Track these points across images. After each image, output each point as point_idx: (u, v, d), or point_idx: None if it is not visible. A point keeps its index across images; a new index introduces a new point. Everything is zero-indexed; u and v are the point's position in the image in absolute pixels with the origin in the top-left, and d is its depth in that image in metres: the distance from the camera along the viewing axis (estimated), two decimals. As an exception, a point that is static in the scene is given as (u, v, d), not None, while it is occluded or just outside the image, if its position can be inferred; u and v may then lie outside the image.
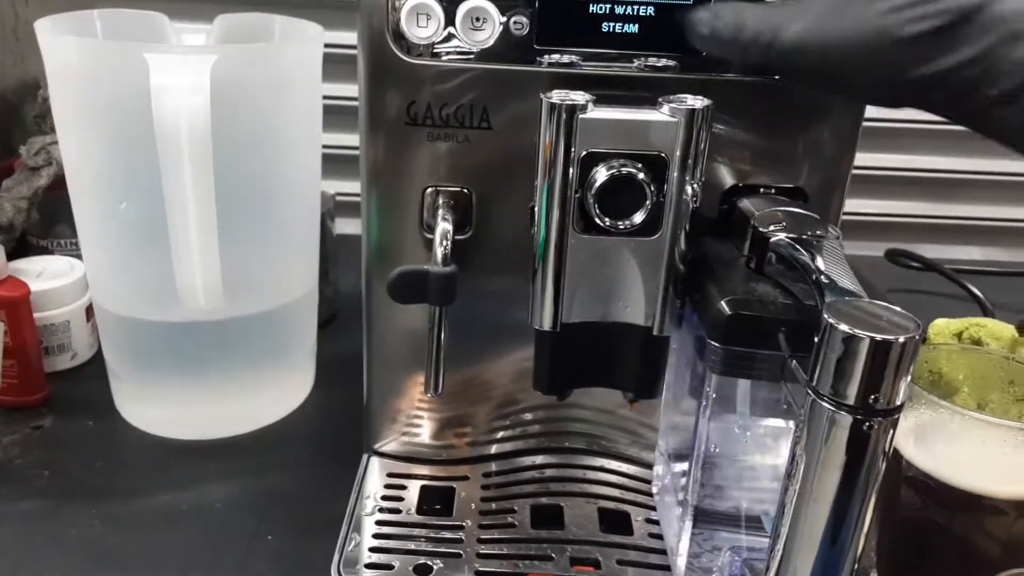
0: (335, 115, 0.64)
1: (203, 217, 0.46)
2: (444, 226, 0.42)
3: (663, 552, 0.44)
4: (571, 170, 0.37)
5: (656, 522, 0.46)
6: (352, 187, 0.56)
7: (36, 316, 0.60)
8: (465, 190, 0.44)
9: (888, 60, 0.34)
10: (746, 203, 0.41)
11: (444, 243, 0.41)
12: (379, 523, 0.45)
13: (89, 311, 0.64)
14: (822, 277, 0.34)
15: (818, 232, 0.37)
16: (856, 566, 0.33)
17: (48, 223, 0.69)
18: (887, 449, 0.31)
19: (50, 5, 0.67)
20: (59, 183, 0.66)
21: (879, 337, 0.29)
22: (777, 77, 0.40)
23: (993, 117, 0.33)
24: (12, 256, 0.62)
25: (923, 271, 0.83)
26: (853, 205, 0.97)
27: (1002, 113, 0.33)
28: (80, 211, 0.54)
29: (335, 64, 0.61)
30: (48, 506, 0.51)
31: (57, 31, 0.50)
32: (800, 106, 0.42)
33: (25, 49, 0.71)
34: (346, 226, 0.78)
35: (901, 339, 0.29)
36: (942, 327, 0.62)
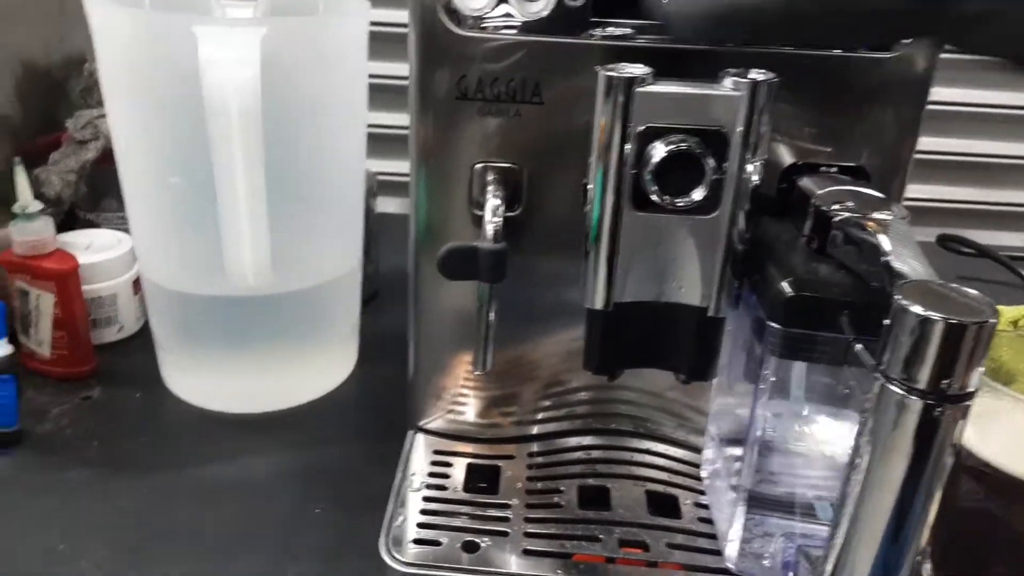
0: (379, 94, 0.64)
1: (253, 193, 0.46)
2: (494, 202, 0.41)
3: (713, 536, 0.43)
4: (627, 146, 0.36)
5: (705, 506, 0.45)
6: (394, 167, 0.56)
7: (84, 288, 0.61)
8: (516, 166, 0.43)
9: None
10: (806, 182, 0.40)
11: (495, 219, 0.41)
12: (426, 499, 0.45)
13: (136, 284, 0.65)
14: (891, 258, 0.33)
15: (885, 211, 0.35)
16: (918, 558, 0.32)
17: (95, 197, 0.70)
18: (957, 437, 0.30)
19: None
20: (106, 157, 0.66)
21: (954, 320, 0.28)
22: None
23: None
24: (60, 229, 0.62)
25: (975, 257, 0.81)
26: (906, 191, 0.94)
27: None
28: (129, 184, 0.54)
29: (380, 42, 0.60)
30: (96, 476, 0.52)
31: (107, 3, 0.50)
32: (864, 84, 0.41)
33: (69, 24, 0.71)
34: (388, 205, 0.78)
35: (976, 322, 0.28)
36: (999, 314, 0.61)
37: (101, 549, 0.46)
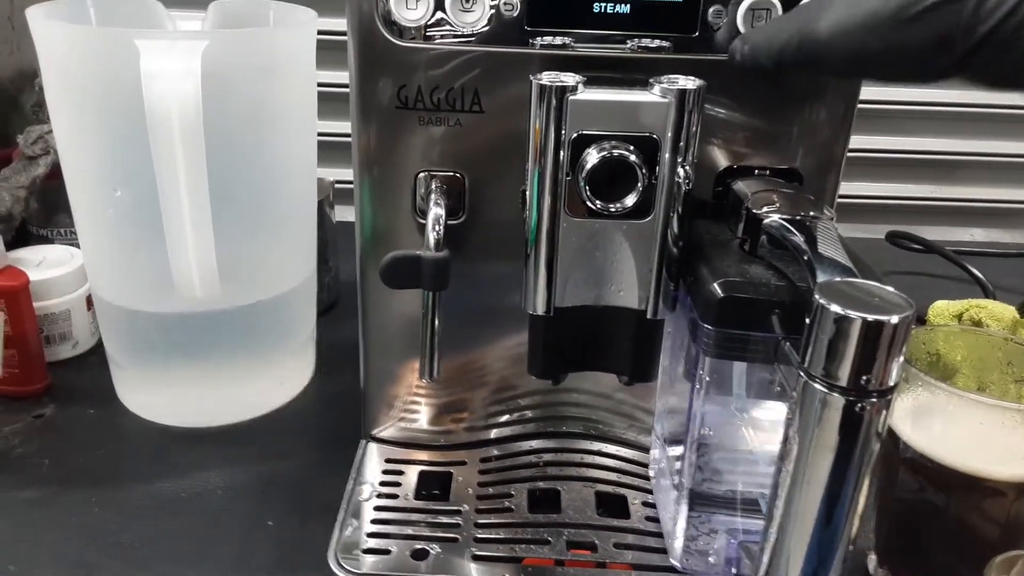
0: (335, 102, 0.64)
1: (197, 205, 0.46)
2: (436, 211, 0.42)
3: (660, 535, 0.44)
4: (562, 152, 0.37)
5: (653, 505, 0.46)
6: (352, 174, 0.55)
7: (36, 305, 0.60)
8: (458, 174, 0.43)
9: (925, 29, 0.33)
10: (740, 185, 0.41)
11: (436, 228, 0.41)
12: (377, 508, 0.45)
13: (90, 300, 0.64)
14: (814, 257, 0.33)
15: (811, 213, 0.36)
16: (851, 547, 0.33)
17: (47, 212, 0.69)
18: (881, 430, 0.31)
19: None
20: (57, 172, 0.66)
21: (871, 317, 0.29)
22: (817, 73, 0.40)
23: None
24: (12, 245, 0.62)
25: (924, 253, 0.83)
26: (854, 188, 0.96)
27: None
28: (75, 199, 0.54)
29: (335, 51, 0.61)
30: (49, 494, 0.51)
31: (49, 18, 0.50)
32: (795, 87, 0.42)
33: (22, 37, 0.71)
34: (347, 213, 0.78)
35: (893, 319, 0.29)
36: (942, 308, 0.62)
37: (52, 568, 0.45)
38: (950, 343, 0.48)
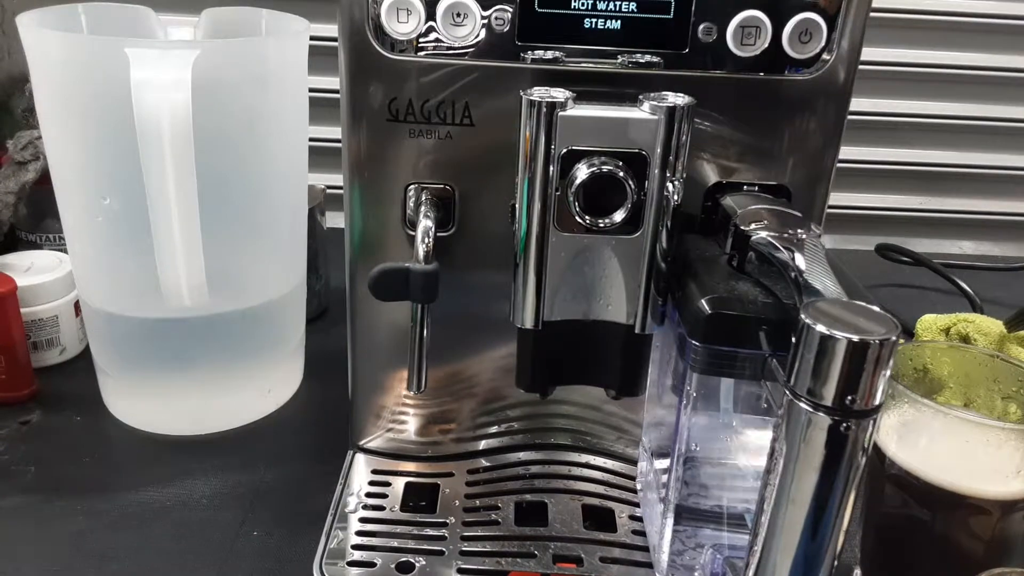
0: (328, 108, 0.64)
1: (185, 214, 0.46)
2: (426, 223, 0.42)
3: (646, 549, 0.44)
4: (551, 167, 0.37)
5: (640, 519, 0.46)
6: (343, 183, 0.55)
7: (24, 311, 0.60)
8: (448, 186, 0.43)
9: None
10: (729, 200, 0.41)
11: (426, 240, 0.41)
12: (363, 520, 0.45)
13: (78, 306, 0.64)
14: (801, 276, 0.34)
15: (799, 230, 0.36)
16: (836, 564, 0.33)
17: (36, 218, 0.69)
18: (866, 449, 0.31)
19: (37, 2, 0.67)
20: (47, 178, 0.65)
21: (856, 338, 0.29)
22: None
23: None
24: (0, 251, 0.62)
25: (913, 266, 0.83)
26: (844, 199, 0.96)
27: None
28: (64, 206, 0.54)
29: (328, 56, 0.60)
30: (32, 502, 0.51)
31: (40, 26, 0.50)
32: (784, 103, 0.42)
33: (13, 43, 0.71)
34: (338, 220, 0.78)
35: (878, 340, 0.29)
36: (930, 323, 0.62)
37: (35, 576, 0.45)
38: (937, 359, 0.48)
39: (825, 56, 0.41)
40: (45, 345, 0.63)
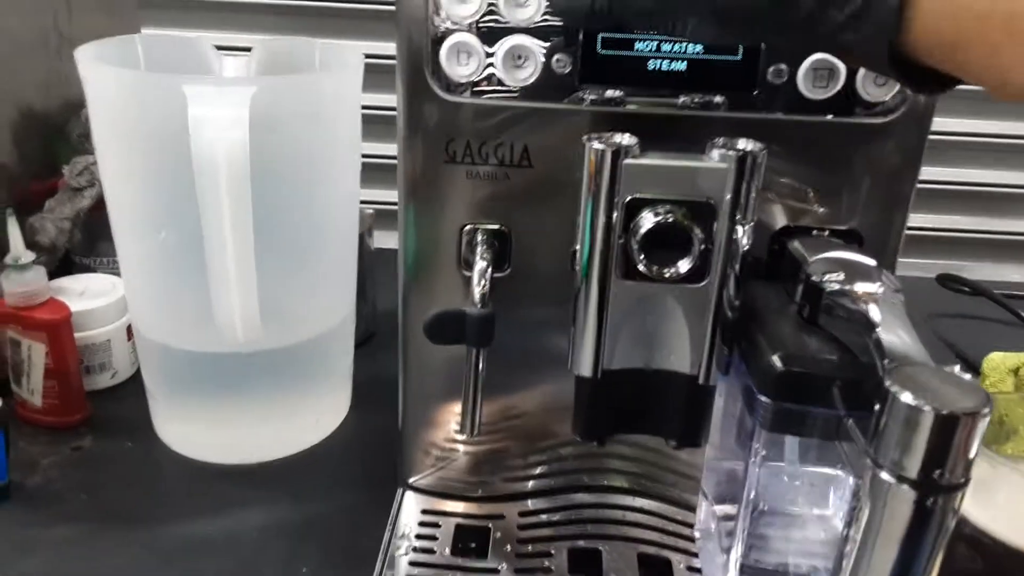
0: (377, 124, 0.63)
1: (241, 251, 0.46)
2: (482, 264, 0.41)
3: (705, 603, 0.42)
4: (615, 215, 0.36)
5: (699, 570, 0.45)
6: (393, 196, 0.56)
7: (77, 335, 0.61)
8: (504, 228, 0.43)
9: None
10: (797, 245, 0.39)
11: (482, 282, 0.40)
12: (412, 564, 0.44)
13: (130, 330, 0.65)
14: (881, 332, 0.32)
15: (877, 284, 0.35)
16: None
17: (91, 241, 0.70)
18: (950, 524, 0.29)
19: (93, 28, 0.68)
20: (102, 203, 0.66)
21: (945, 411, 0.27)
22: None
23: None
24: (55, 274, 0.62)
25: (974, 296, 0.80)
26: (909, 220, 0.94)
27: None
28: (120, 238, 0.54)
29: (379, 74, 0.60)
30: (83, 532, 0.51)
31: (98, 58, 0.50)
32: (857, 145, 0.40)
33: (69, 68, 0.72)
34: (386, 240, 0.78)
35: (967, 412, 0.27)
36: (998, 362, 0.60)
37: (88, 610, 0.45)
38: (1011, 409, 0.46)
39: (900, 99, 0.39)
40: (98, 369, 0.64)
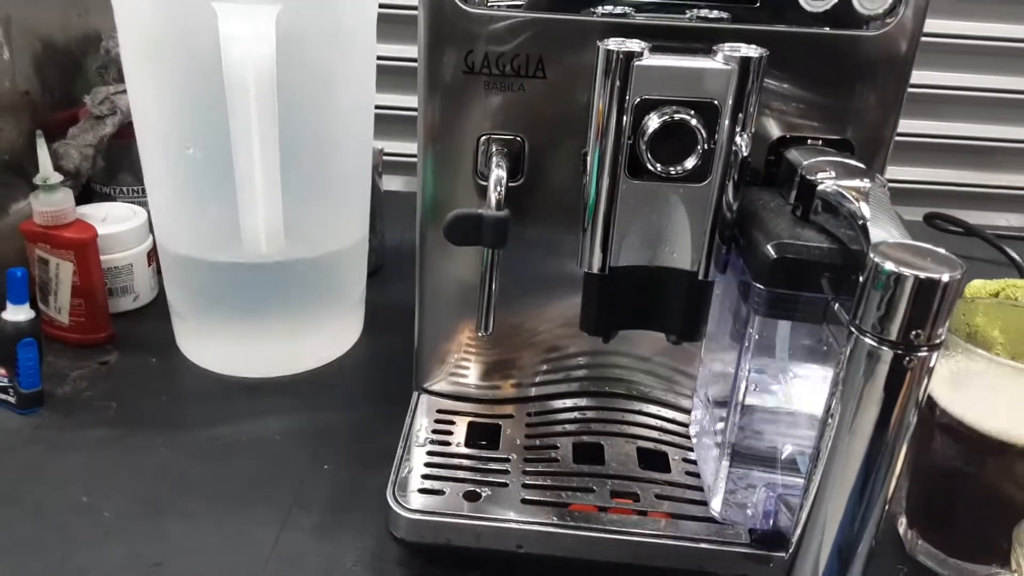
0: (385, 75, 0.66)
1: (268, 164, 0.48)
2: (498, 172, 0.44)
3: (699, 488, 0.46)
4: (625, 117, 0.39)
5: (693, 462, 0.48)
6: (397, 147, 0.58)
7: (102, 259, 0.63)
8: (519, 138, 0.45)
9: None
10: (793, 154, 0.42)
11: (498, 188, 0.43)
12: (429, 453, 0.47)
13: (150, 255, 0.67)
14: (868, 222, 0.35)
15: (865, 180, 0.38)
16: (887, 507, 0.35)
17: (111, 171, 0.72)
18: (925, 388, 0.32)
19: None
20: (122, 132, 0.68)
21: (923, 275, 0.30)
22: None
23: None
24: (76, 203, 0.65)
25: (962, 235, 0.83)
26: (894, 172, 0.96)
27: None
28: (147, 155, 0.57)
29: (388, 24, 0.62)
30: (116, 434, 0.54)
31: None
32: (850, 59, 0.43)
33: (90, 2, 0.73)
34: (392, 183, 0.81)
35: (945, 278, 0.30)
36: (979, 287, 0.63)
37: (122, 501, 0.48)
38: (989, 316, 0.49)
39: (894, 14, 0.41)
40: (120, 292, 0.67)
